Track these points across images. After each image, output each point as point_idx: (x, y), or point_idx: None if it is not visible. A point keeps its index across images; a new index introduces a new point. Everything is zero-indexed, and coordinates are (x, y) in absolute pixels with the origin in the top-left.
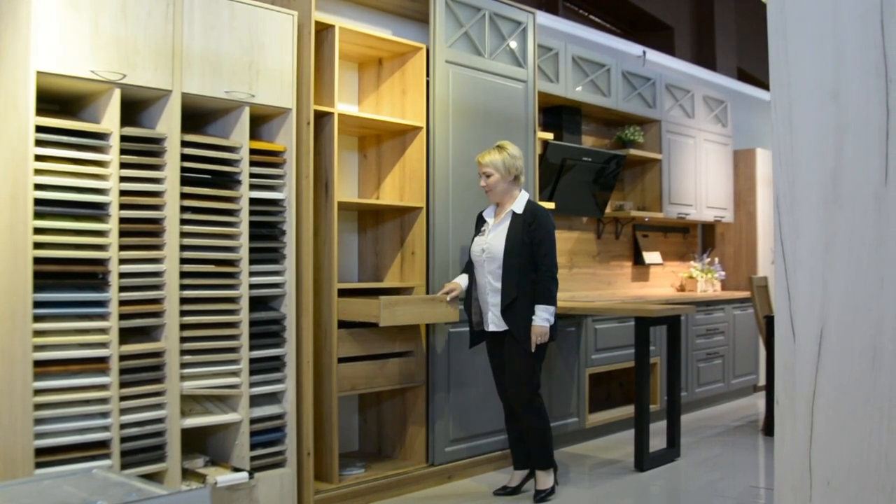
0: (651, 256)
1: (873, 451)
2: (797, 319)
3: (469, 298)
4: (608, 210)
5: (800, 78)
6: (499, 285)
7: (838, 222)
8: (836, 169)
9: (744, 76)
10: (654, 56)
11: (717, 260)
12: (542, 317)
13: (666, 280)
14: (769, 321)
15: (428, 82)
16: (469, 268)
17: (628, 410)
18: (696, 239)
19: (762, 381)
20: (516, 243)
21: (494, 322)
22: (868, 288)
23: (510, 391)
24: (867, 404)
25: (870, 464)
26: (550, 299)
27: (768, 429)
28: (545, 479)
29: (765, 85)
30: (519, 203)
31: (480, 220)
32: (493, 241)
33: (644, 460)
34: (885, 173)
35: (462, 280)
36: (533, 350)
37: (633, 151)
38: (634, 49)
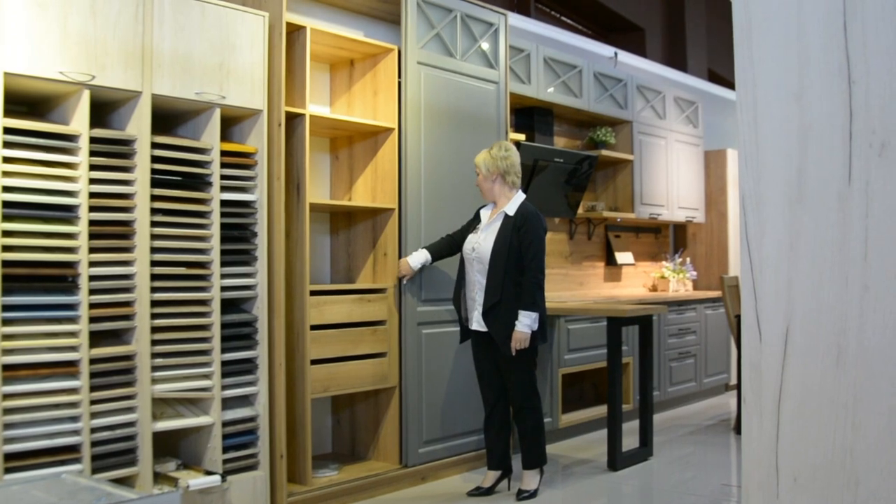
0: (623, 257)
1: (838, 447)
2: (763, 318)
3: (459, 293)
4: (580, 211)
5: (764, 79)
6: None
7: (803, 222)
8: (800, 169)
9: (714, 77)
10: (626, 57)
11: (688, 260)
12: (524, 323)
13: (638, 280)
14: (740, 321)
15: (400, 83)
16: (437, 245)
17: (601, 410)
18: (667, 239)
19: (734, 380)
20: (504, 245)
21: (478, 321)
22: (832, 287)
23: (511, 392)
24: (832, 402)
25: (835, 460)
26: (533, 305)
27: (740, 427)
28: (531, 480)
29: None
30: (512, 205)
31: (477, 216)
32: (482, 241)
33: (617, 460)
34: (848, 173)
35: (414, 259)
36: (513, 354)
37: (604, 152)
38: (606, 50)
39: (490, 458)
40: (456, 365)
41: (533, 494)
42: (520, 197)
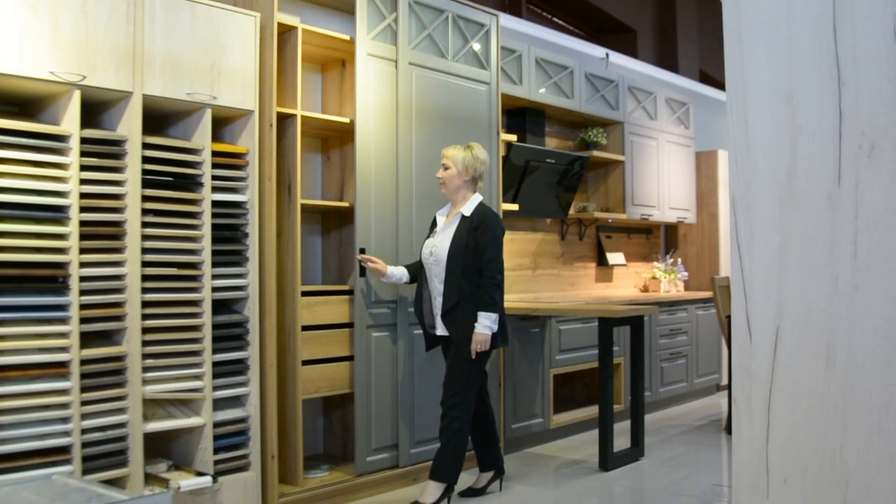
0: (614, 257)
1: (828, 448)
2: (753, 320)
3: (420, 300)
4: (572, 211)
5: (755, 81)
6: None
7: (793, 223)
8: (790, 171)
9: (706, 78)
10: (617, 58)
11: (679, 260)
12: (484, 324)
13: (629, 281)
14: (731, 321)
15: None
16: (414, 265)
17: (592, 411)
18: (659, 240)
19: (725, 381)
20: (460, 247)
21: (441, 326)
22: (822, 288)
23: (444, 391)
24: (822, 403)
25: (825, 461)
26: (493, 306)
27: (731, 427)
28: (431, 493)
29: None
30: (469, 206)
31: (434, 222)
32: (439, 244)
33: (608, 460)
34: (838, 175)
35: (394, 268)
36: (473, 356)
37: (596, 153)
38: (597, 51)
39: (480, 460)
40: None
41: None
42: (477, 198)
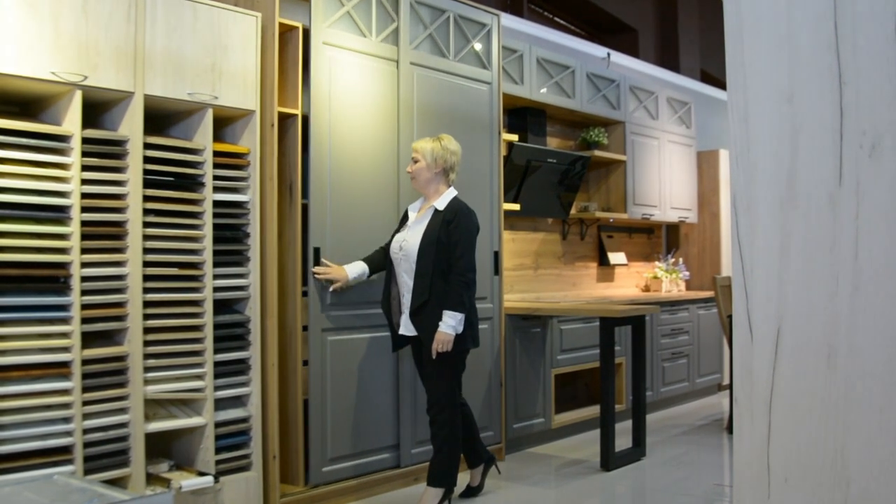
0: (616, 257)
1: (829, 448)
2: (754, 319)
3: (388, 297)
4: (573, 211)
5: (755, 80)
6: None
7: (794, 223)
8: (791, 170)
9: (707, 78)
10: (619, 58)
11: (681, 260)
12: (448, 324)
13: (631, 280)
14: (732, 321)
15: None
16: (373, 256)
17: (594, 410)
18: (660, 239)
19: (727, 380)
20: (432, 242)
21: (405, 325)
22: (823, 288)
23: (428, 398)
24: (823, 402)
25: (826, 461)
26: (459, 305)
27: (733, 427)
28: (432, 499)
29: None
30: (443, 200)
31: (405, 216)
32: (410, 239)
33: (610, 460)
34: (839, 174)
35: (352, 269)
36: (433, 357)
37: (597, 153)
38: (599, 51)
39: (467, 458)
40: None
41: None
42: (451, 192)
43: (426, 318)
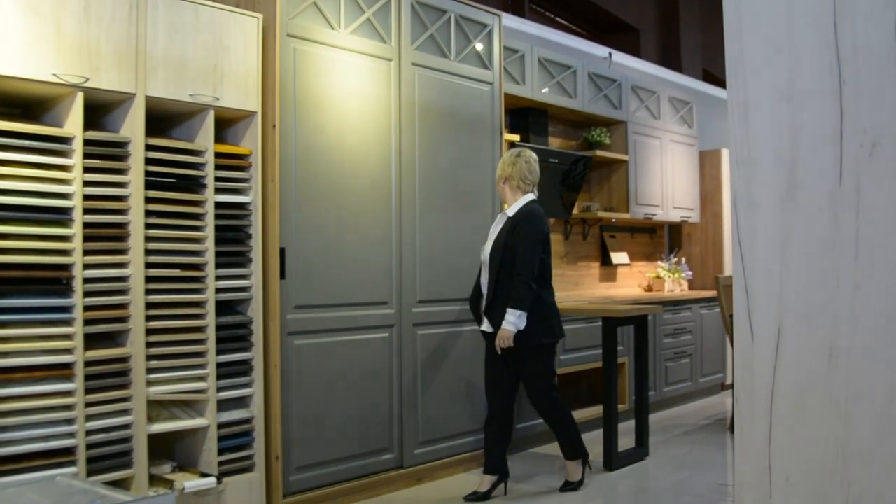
0: (618, 257)
1: (830, 447)
2: (755, 318)
3: (475, 297)
4: (575, 211)
5: (755, 79)
6: None
7: (794, 222)
8: (791, 169)
9: (709, 77)
10: (620, 58)
11: (683, 260)
12: (509, 321)
13: (633, 280)
14: (733, 320)
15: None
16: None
17: (597, 410)
18: (662, 239)
19: (729, 380)
20: (500, 246)
21: (485, 322)
22: (824, 287)
23: (527, 393)
24: (824, 401)
25: (827, 460)
26: (518, 303)
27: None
28: (574, 471)
29: None
30: (514, 206)
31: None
32: (488, 244)
33: (613, 460)
34: (839, 173)
35: (486, 323)
36: (498, 352)
37: (599, 152)
38: (600, 51)
39: (487, 462)
40: (454, 363)
41: (574, 487)
42: (525, 199)
43: (495, 315)
